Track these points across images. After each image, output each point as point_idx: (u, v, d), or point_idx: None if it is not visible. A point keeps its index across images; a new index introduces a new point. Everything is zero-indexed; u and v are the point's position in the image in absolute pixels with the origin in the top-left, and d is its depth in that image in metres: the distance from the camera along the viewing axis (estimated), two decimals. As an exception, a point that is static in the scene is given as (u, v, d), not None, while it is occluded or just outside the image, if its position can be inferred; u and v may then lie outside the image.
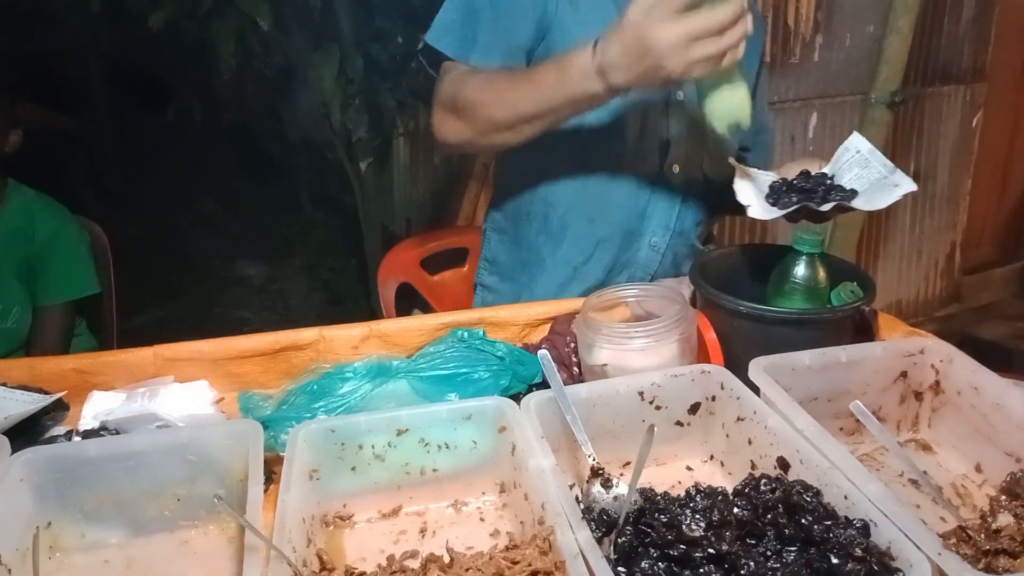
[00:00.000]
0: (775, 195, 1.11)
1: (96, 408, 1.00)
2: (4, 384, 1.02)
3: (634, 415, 0.94)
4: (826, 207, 1.07)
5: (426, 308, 1.68)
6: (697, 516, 0.72)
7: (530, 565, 0.72)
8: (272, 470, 0.90)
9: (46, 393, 1.03)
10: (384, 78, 2.58)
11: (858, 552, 0.69)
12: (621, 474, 0.92)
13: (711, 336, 1.04)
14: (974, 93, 3.22)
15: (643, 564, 0.71)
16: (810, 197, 1.08)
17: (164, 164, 4.28)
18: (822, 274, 1.08)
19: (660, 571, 0.71)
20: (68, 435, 0.97)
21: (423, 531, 0.87)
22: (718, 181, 1.32)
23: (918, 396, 1.01)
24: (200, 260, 4.01)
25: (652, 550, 0.72)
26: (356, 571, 0.77)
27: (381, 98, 2.58)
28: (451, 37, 1.27)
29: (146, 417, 0.97)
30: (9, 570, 0.76)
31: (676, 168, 1.36)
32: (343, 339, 1.12)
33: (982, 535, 0.77)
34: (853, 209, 1.07)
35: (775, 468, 0.84)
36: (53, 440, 0.97)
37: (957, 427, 0.97)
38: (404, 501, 0.90)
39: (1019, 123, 3.48)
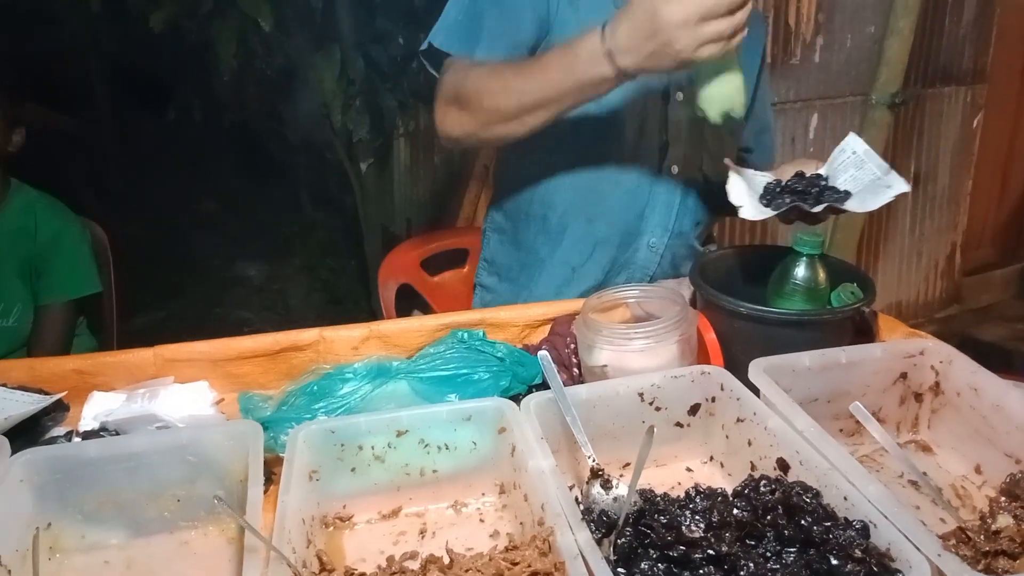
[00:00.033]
0: (769, 196, 1.11)
1: (96, 409, 1.00)
2: (4, 385, 1.02)
3: (634, 416, 0.94)
4: (817, 209, 1.07)
5: (426, 309, 1.68)
6: (697, 517, 0.72)
7: (530, 566, 0.72)
8: (272, 471, 0.90)
9: (46, 394, 1.03)
10: (385, 79, 2.58)
11: (858, 553, 0.69)
12: (621, 475, 0.92)
13: (711, 337, 1.04)
14: (975, 94, 3.22)
15: (643, 565, 0.71)
16: (803, 198, 1.08)
17: (165, 164, 4.29)
18: (822, 275, 1.08)
19: (659, 572, 0.71)
20: (68, 436, 0.98)
21: (423, 532, 0.87)
22: (717, 182, 1.33)
23: (918, 397, 1.01)
24: (200, 260, 4.01)
25: (652, 551, 0.72)
26: (356, 572, 0.77)
27: (382, 99, 2.59)
28: (455, 35, 1.27)
29: (146, 418, 0.97)
30: (9, 571, 0.76)
31: (675, 169, 1.36)
32: (343, 340, 1.12)
33: (982, 536, 0.77)
34: (845, 211, 1.08)
35: (775, 469, 0.84)
36: (53, 441, 0.97)
37: (957, 428, 0.97)
38: (404, 502, 0.90)
39: (1019, 124, 3.48)
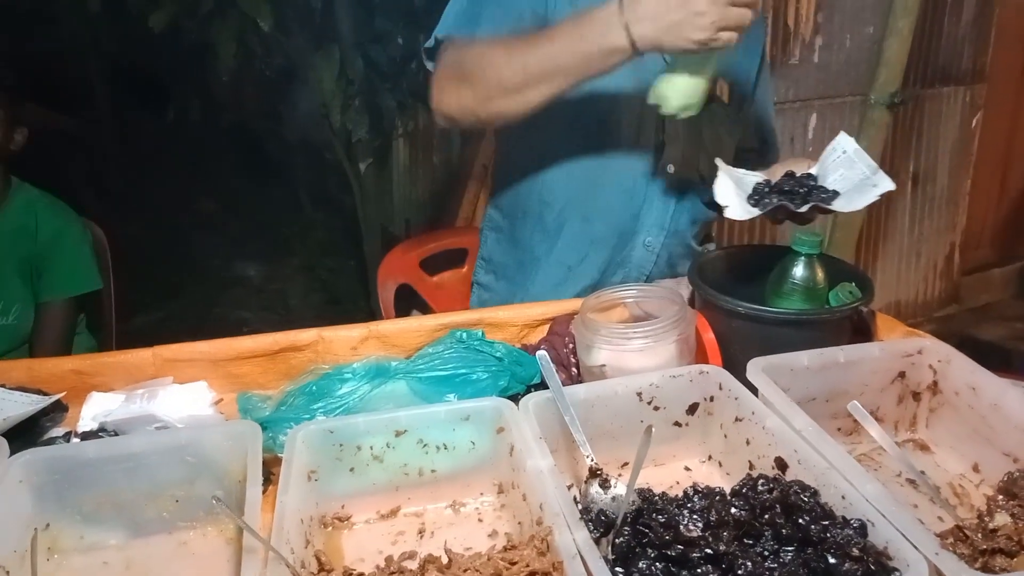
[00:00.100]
0: (757, 196, 1.11)
1: (95, 409, 1.00)
2: (3, 385, 1.02)
3: (632, 416, 0.94)
4: (803, 208, 1.07)
5: (425, 309, 1.69)
6: (695, 516, 0.72)
7: (528, 566, 0.72)
8: (271, 471, 0.90)
9: (45, 394, 1.03)
10: (384, 79, 2.58)
11: (855, 552, 0.69)
12: (619, 474, 0.92)
13: (709, 337, 1.04)
14: (973, 94, 3.22)
15: (641, 564, 0.71)
16: (791, 198, 1.09)
17: (164, 164, 4.29)
18: (820, 275, 1.08)
19: (658, 571, 0.71)
20: (67, 436, 0.98)
21: (421, 532, 0.87)
22: (713, 182, 1.33)
23: (916, 396, 1.02)
24: (200, 260, 4.02)
25: (650, 550, 0.72)
26: (354, 572, 0.77)
27: (381, 99, 2.59)
28: (458, 19, 1.26)
29: (145, 418, 0.97)
30: (7, 572, 0.76)
31: (671, 168, 1.36)
32: (342, 340, 1.12)
33: (979, 535, 0.77)
34: (831, 211, 1.08)
35: (773, 468, 0.84)
36: (52, 441, 0.97)
37: (955, 427, 0.97)
38: (402, 502, 0.90)
39: (1018, 124, 3.48)
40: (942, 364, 0.99)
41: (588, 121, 1.30)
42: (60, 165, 2.97)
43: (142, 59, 3.33)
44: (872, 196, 1.05)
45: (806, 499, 0.75)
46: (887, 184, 1.05)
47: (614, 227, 1.38)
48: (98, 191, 3.86)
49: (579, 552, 0.69)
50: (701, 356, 1.04)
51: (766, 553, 0.73)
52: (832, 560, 0.70)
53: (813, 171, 1.14)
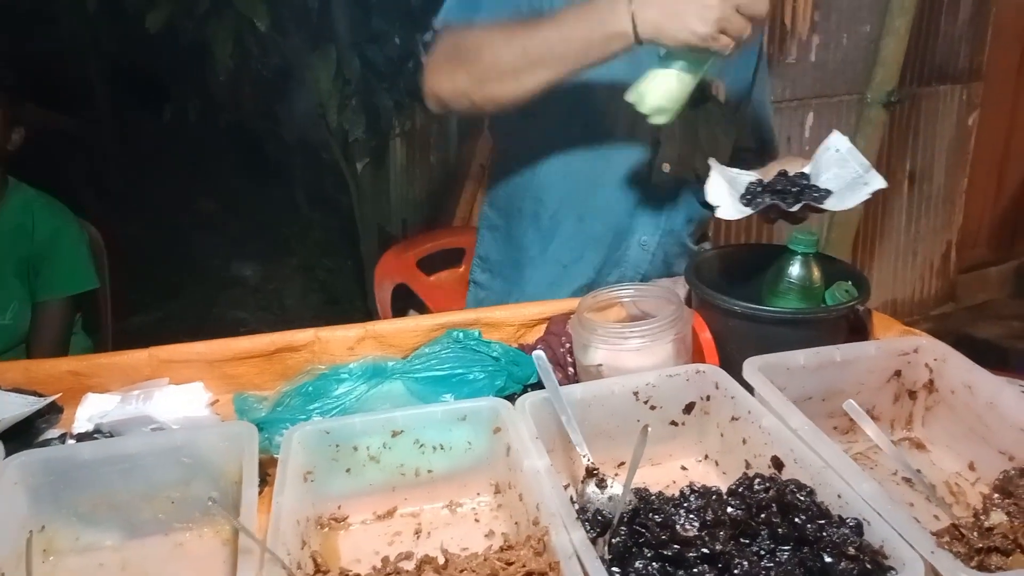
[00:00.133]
0: (750, 195, 1.11)
1: (90, 410, 1.00)
2: (-2, 386, 1.02)
3: (629, 415, 0.94)
4: (795, 208, 1.07)
5: (422, 309, 1.69)
6: (691, 516, 0.72)
7: (524, 566, 0.72)
8: (267, 472, 0.90)
9: (40, 396, 1.02)
10: (381, 79, 2.58)
11: (851, 551, 0.69)
12: (616, 474, 0.92)
13: (706, 336, 1.04)
14: (970, 93, 3.22)
15: (637, 564, 0.71)
16: (783, 197, 1.09)
17: (163, 164, 4.28)
18: (817, 274, 1.09)
19: (654, 571, 0.71)
20: (62, 438, 0.97)
21: (418, 532, 0.87)
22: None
23: (912, 395, 1.02)
24: (199, 260, 4.01)
25: (646, 550, 0.72)
26: (351, 573, 0.77)
27: (378, 99, 2.59)
28: (458, 5, 1.26)
29: (140, 419, 0.96)
30: (3, 574, 0.76)
31: (666, 167, 1.36)
32: (338, 340, 1.12)
33: (975, 533, 0.77)
34: (823, 210, 1.08)
35: (769, 467, 0.84)
36: (47, 443, 0.97)
37: (951, 426, 0.98)
38: (399, 502, 0.90)
39: (1015, 122, 3.49)
40: (938, 363, 1.00)
41: (584, 119, 1.30)
42: (60, 165, 2.97)
43: (141, 59, 3.32)
44: (864, 194, 1.05)
45: (802, 498, 0.75)
46: (878, 182, 1.05)
47: (609, 226, 1.38)
48: (98, 191, 3.86)
49: (576, 552, 0.69)
50: (698, 355, 1.04)
51: (762, 552, 0.73)
52: (828, 559, 0.70)
53: (806, 170, 1.14)
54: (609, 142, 1.33)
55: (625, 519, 0.75)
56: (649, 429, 0.76)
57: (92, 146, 4.14)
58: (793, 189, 1.10)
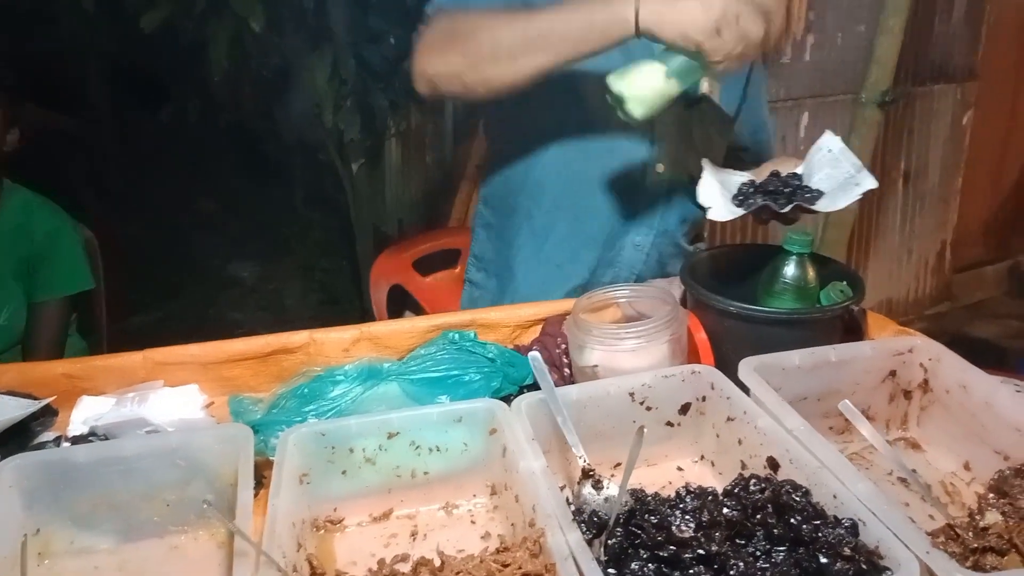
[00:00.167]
0: (742, 196, 1.11)
1: (85, 413, 0.99)
2: (-7, 390, 1.02)
3: (625, 416, 0.94)
4: (786, 209, 1.07)
5: (418, 310, 1.69)
6: (687, 517, 0.72)
7: (520, 568, 0.72)
8: (262, 474, 0.89)
9: (35, 398, 1.02)
10: (376, 79, 2.58)
11: (847, 551, 0.69)
12: (612, 475, 0.92)
13: (701, 336, 1.05)
14: (965, 92, 3.24)
15: (633, 565, 0.71)
16: (775, 198, 1.09)
17: (163, 164, 4.27)
18: (812, 274, 1.09)
19: (650, 572, 0.71)
20: (57, 441, 0.97)
21: (414, 534, 0.87)
22: None
23: (907, 395, 1.02)
24: (199, 260, 4.01)
25: (642, 551, 0.72)
26: (346, 575, 0.77)
27: (373, 99, 2.58)
28: None
29: (136, 422, 0.96)
30: (-3, 577, 0.75)
31: (661, 167, 1.36)
32: (334, 342, 1.11)
33: (970, 533, 0.77)
34: (815, 211, 1.08)
35: (765, 468, 0.84)
36: (42, 446, 0.97)
37: (946, 425, 0.98)
38: (395, 504, 0.90)
39: (1010, 122, 3.50)
40: (933, 362, 1.00)
41: (579, 119, 1.30)
42: (59, 165, 2.97)
43: (141, 59, 3.32)
44: (855, 195, 1.05)
45: (798, 499, 0.75)
46: (870, 183, 1.05)
47: (603, 226, 1.38)
48: (97, 191, 3.85)
49: (572, 554, 0.69)
50: (693, 356, 1.04)
51: (758, 553, 0.73)
52: (824, 560, 0.70)
53: (799, 170, 1.14)
54: (604, 142, 1.33)
55: (621, 520, 0.75)
56: (645, 430, 0.76)
57: (91, 146, 4.13)
58: (785, 190, 1.10)
